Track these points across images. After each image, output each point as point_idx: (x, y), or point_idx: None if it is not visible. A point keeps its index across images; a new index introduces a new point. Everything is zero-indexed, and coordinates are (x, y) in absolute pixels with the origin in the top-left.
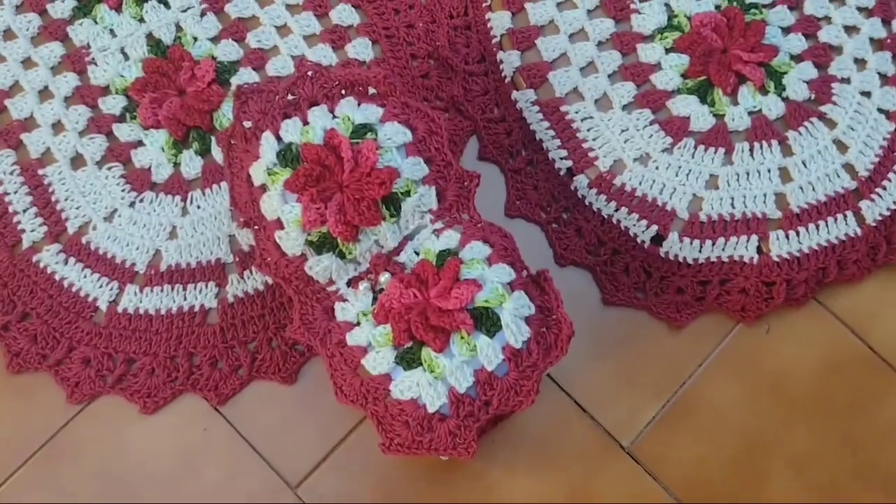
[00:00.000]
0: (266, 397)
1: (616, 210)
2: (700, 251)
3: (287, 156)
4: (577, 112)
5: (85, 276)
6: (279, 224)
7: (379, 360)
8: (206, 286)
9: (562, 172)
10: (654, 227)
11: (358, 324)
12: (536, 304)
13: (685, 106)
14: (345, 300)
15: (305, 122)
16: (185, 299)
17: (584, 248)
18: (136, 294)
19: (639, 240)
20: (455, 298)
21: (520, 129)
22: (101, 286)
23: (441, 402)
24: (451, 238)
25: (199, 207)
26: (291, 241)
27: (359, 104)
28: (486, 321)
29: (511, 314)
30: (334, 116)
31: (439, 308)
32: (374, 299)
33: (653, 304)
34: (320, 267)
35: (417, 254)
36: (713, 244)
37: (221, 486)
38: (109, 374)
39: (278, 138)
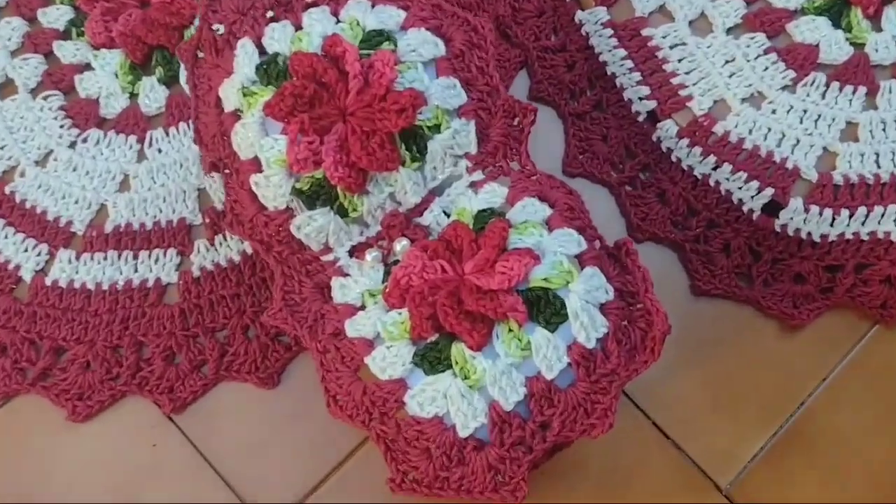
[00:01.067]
0: (237, 405)
1: (715, 168)
2: (831, 225)
3: (270, 71)
4: (664, 37)
5: (6, 237)
6: (256, 165)
7: (390, 360)
8: (165, 254)
9: (641, 117)
10: (769, 192)
11: (362, 307)
12: (615, 287)
13: (812, 30)
14: (345, 275)
15: (298, 27)
16: (135, 271)
17: (669, 219)
18: (70, 262)
19: (745, 208)
20: (501, 275)
21: (585, 61)
22: (25, 251)
23: (478, 423)
24: (495, 193)
25: (160, 151)
26: (273, 188)
27: (373, 5)
28: (546, 308)
29: (581, 300)
30: (338, 20)
31: (478, 287)
32: (387, 274)
33: (761, 296)
34: (312, 227)
35: (447, 214)
36: (850, 216)
37: None
38: (30, 367)
39: (260, 48)
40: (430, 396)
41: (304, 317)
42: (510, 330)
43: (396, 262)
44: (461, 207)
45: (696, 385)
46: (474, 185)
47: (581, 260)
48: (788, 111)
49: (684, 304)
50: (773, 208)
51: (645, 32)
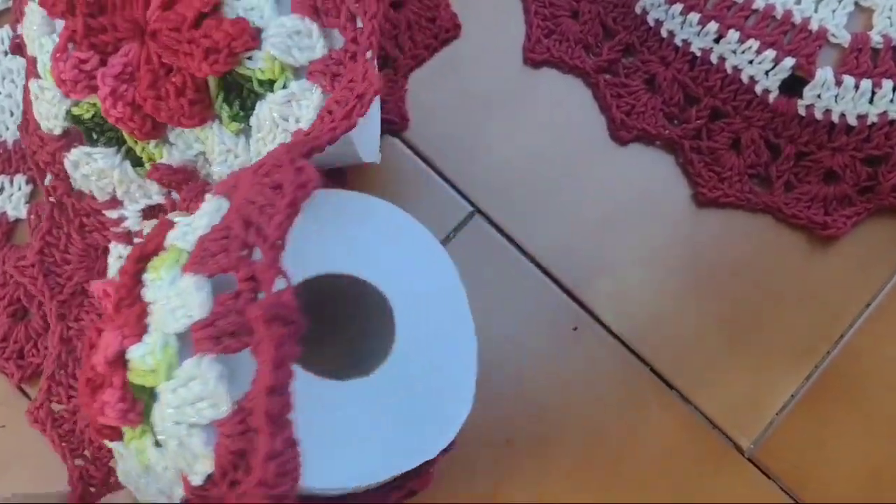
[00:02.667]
0: None
1: (718, 39)
2: (871, 102)
3: None
4: None
5: None
6: (35, 69)
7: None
8: (11, 182)
9: None
10: (789, 63)
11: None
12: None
13: None
14: (130, 242)
15: None
16: None
17: (662, 111)
18: None
19: (759, 89)
20: None
21: None
22: None
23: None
24: None
25: (6, 54)
26: (46, 104)
27: None
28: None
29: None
30: None
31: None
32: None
33: (784, 202)
34: (92, 168)
35: None
36: (894, 89)
37: None
38: None
39: None
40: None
41: (62, 284)
42: None
43: None
44: None
45: (706, 321)
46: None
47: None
48: None
49: (686, 218)
50: (794, 85)
51: None
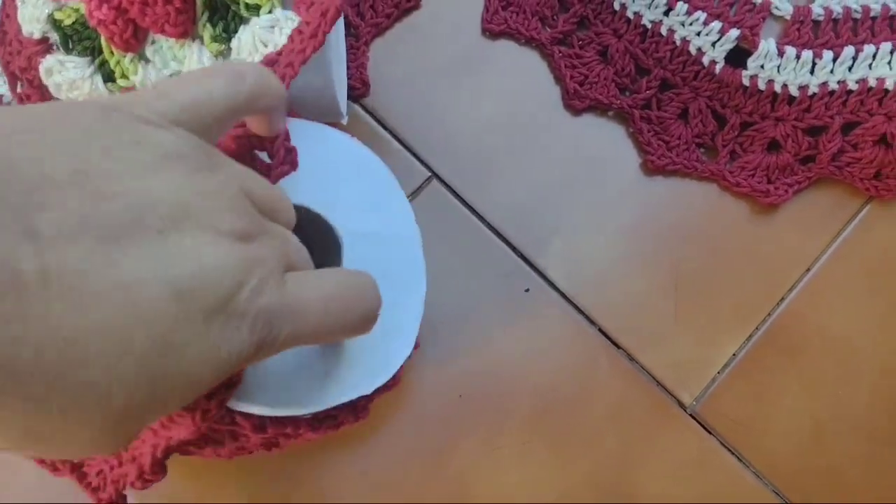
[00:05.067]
0: None
1: (668, 11)
2: (811, 73)
3: None
4: None
5: None
6: None
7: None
8: None
9: None
10: (734, 34)
11: None
12: None
13: None
14: None
15: None
16: None
17: (614, 82)
18: None
19: (706, 59)
20: None
21: None
22: None
23: None
24: None
25: None
26: (30, 8)
27: None
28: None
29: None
30: None
31: None
32: None
33: (728, 171)
34: (64, 77)
35: None
36: (834, 59)
37: (31, 492)
38: None
39: None
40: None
41: None
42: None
43: None
44: None
45: (653, 283)
46: None
47: None
48: None
49: (636, 185)
50: (739, 57)
51: None
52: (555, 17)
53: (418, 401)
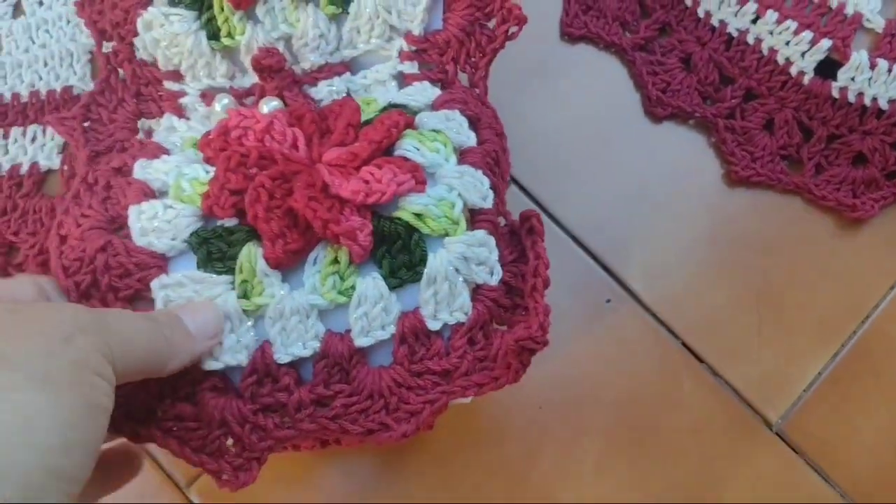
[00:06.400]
0: None
1: (756, 19)
2: None
3: None
4: None
5: None
6: None
7: (161, 222)
8: (45, 132)
9: None
10: (825, 44)
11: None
12: (503, 276)
13: None
14: (183, 116)
15: None
16: (5, 153)
17: (697, 89)
18: None
19: (794, 70)
20: (362, 182)
21: None
22: None
23: (234, 362)
24: (424, 92)
25: (41, 4)
26: None
27: None
28: (399, 254)
29: (452, 264)
30: None
31: (324, 185)
32: None
33: (814, 184)
34: (166, 31)
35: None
36: None
37: None
38: None
39: None
40: (185, 296)
41: (100, 138)
42: (335, 261)
43: None
44: (372, 97)
45: (736, 297)
46: (402, 78)
47: (475, 219)
48: None
49: (718, 197)
50: (829, 68)
51: None
52: (636, 23)
53: (499, 411)
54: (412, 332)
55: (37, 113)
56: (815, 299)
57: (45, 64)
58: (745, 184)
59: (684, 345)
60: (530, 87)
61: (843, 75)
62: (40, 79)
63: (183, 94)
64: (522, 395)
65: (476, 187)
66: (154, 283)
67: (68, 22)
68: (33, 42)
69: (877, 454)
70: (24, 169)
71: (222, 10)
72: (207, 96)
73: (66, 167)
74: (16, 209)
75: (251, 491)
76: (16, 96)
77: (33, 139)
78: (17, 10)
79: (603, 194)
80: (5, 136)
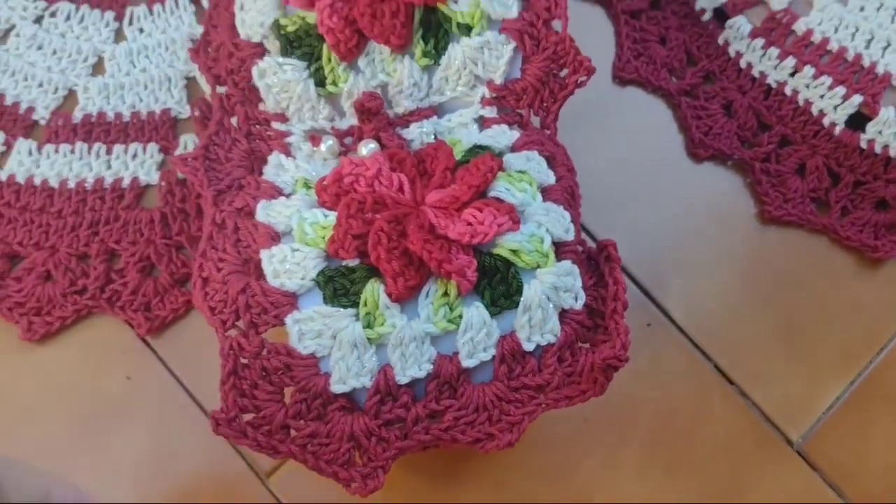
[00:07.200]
0: None
1: (794, 73)
2: None
3: None
4: None
5: None
6: None
7: (290, 265)
8: (145, 150)
9: (706, 16)
10: (857, 100)
11: (290, 195)
12: (586, 298)
13: None
14: (289, 155)
15: None
16: (108, 168)
17: (736, 134)
18: (31, 154)
19: (826, 121)
20: (467, 225)
21: None
22: None
23: (359, 384)
24: (503, 134)
25: (141, 31)
26: (255, 12)
27: None
28: (499, 285)
29: (544, 293)
30: None
31: (431, 226)
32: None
33: (839, 225)
34: (278, 79)
35: (436, 139)
36: None
37: (152, 471)
38: None
39: None
40: (317, 329)
41: (219, 178)
42: (445, 293)
43: None
44: (457, 138)
45: (765, 325)
46: (482, 121)
47: (560, 251)
48: (878, 8)
49: (752, 233)
50: (859, 121)
51: None
52: (683, 70)
53: (548, 422)
54: (510, 353)
55: (137, 132)
56: (837, 330)
57: (145, 87)
58: (778, 222)
59: (716, 367)
60: (584, 125)
61: (871, 128)
62: (141, 101)
63: (289, 134)
64: (570, 409)
65: (560, 222)
66: (288, 319)
67: (166, 49)
68: (134, 66)
69: (888, 475)
70: (126, 183)
71: (329, 60)
72: (311, 137)
73: (163, 182)
74: (118, 220)
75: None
76: (118, 116)
77: (134, 156)
78: (119, 36)
79: (648, 227)
80: (108, 153)
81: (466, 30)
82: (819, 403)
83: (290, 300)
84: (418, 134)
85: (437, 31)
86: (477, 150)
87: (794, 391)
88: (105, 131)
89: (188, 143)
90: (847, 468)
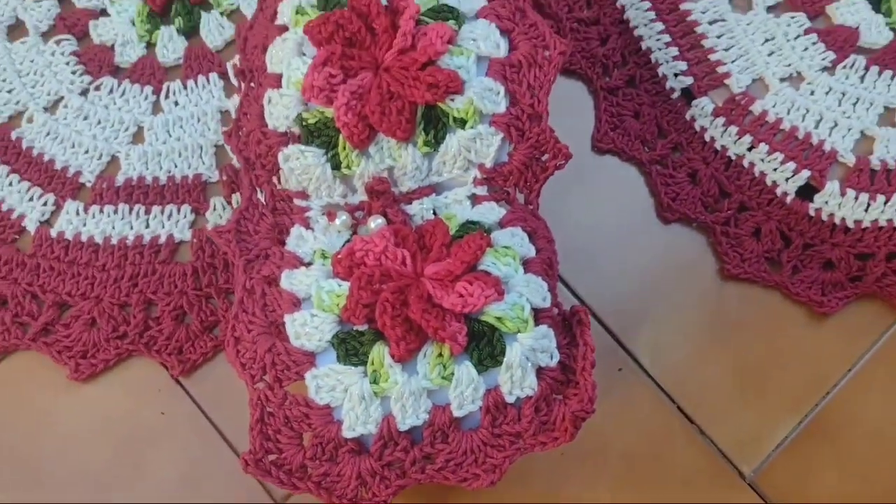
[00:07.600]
0: None
1: (750, 148)
2: (866, 211)
3: None
4: (703, 12)
5: (10, 185)
6: (277, 81)
7: (309, 328)
8: (179, 210)
9: (675, 94)
10: (805, 174)
11: (308, 265)
12: (560, 356)
13: (853, 13)
14: (309, 227)
15: None
16: (146, 226)
17: (700, 200)
18: (78, 214)
19: (779, 191)
20: (459, 297)
21: (619, 35)
22: (30, 199)
23: (366, 431)
24: (492, 211)
25: (176, 104)
26: (281, 107)
27: None
28: (485, 348)
29: (523, 354)
30: None
31: (429, 296)
32: (347, 243)
33: (790, 282)
34: (300, 163)
35: (435, 214)
36: (885, 202)
37: (180, 495)
38: (32, 322)
39: None
40: (331, 384)
41: (249, 248)
42: (440, 354)
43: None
44: (452, 213)
45: (723, 370)
46: (474, 198)
47: (538, 317)
48: (827, 93)
49: (713, 288)
50: (808, 192)
51: (684, 7)
52: (654, 142)
53: (529, 456)
54: (494, 405)
55: (172, 194)
56: (787, 376)
57: (180, 154)
58: (736, 279)
59: (679, 408)
60: (566, 188)
61: (818, 199)
62: (175, 166)
63: (309, 209)
64: None
65: (538, 292)
66: (308, 375)
67: (198, 120)
68: (170, 135)
69: None
70: (162, 240)
71: (344, 148)
72: (328, 212)
73: (195, 240)
74: (155, 273)
75: None
76: (156, 180)
77: (170, 216)
78: (157, 108)
79: (620, 280)
80: (147, 213)
81: (461, 123)
82: (770, 441)
83: (310, 359)
84: (419, 209)
85: (436, 124)
86: (469, 225)
87: (748, 429)
88: (144, 193)
89: (216, 204)
90: (794, 499)
